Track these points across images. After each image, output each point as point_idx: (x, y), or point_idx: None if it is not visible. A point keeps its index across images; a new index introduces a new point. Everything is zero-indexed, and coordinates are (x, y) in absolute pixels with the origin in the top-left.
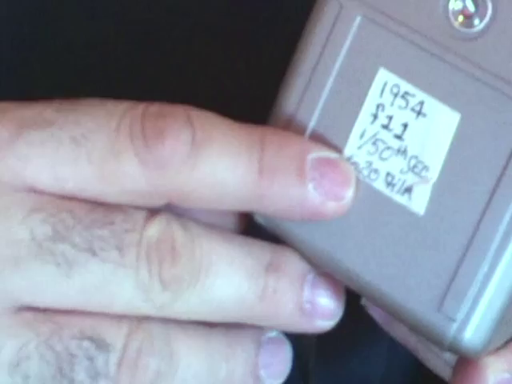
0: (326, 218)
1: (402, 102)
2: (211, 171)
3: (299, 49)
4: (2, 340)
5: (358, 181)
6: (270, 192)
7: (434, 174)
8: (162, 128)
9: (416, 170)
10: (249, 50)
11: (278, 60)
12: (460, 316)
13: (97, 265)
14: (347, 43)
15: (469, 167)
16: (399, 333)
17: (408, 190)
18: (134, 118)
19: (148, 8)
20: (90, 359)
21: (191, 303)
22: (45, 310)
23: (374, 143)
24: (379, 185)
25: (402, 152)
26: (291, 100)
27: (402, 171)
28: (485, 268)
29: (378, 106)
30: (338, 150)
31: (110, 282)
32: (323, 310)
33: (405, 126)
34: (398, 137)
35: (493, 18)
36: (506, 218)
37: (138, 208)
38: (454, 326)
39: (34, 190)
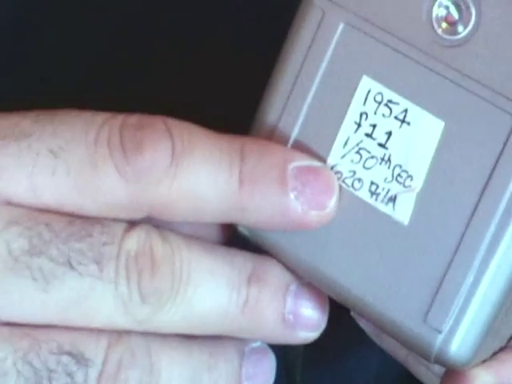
0: (309, 228)
1: (386, 110)
2: (192, 183)
3: (281, 57)
4: None
5: (341, 190)
6: (250, 203)
7: (418, 183)
8: (141, 139)
9: (400, 179)
10: (232, 56)
11: (262, 68)
12: (446, 327)
13: (75, 279)
14: (330, 51)
15: (453, 176)
16: (389, 344)
17: (392, 199)
18: (112, 130)
19: (143, 10)
20: (69, 375)
21: (171, 316)
22: (22, 325)
23: (358, 152)
24: (363, 194)
25: (386, 161)
26: (273, 109)
27: (386, 180)
28: (470, 278)
29: (361, 115)
30: (322, 159)
31: (88, 296)
32: (306, 321)
33: (389, 134)
34: (382, 145)
35: (476, 25)
36: (492, 228)
37: (116, 220)
38: (440, 337)
39: (10, 203)
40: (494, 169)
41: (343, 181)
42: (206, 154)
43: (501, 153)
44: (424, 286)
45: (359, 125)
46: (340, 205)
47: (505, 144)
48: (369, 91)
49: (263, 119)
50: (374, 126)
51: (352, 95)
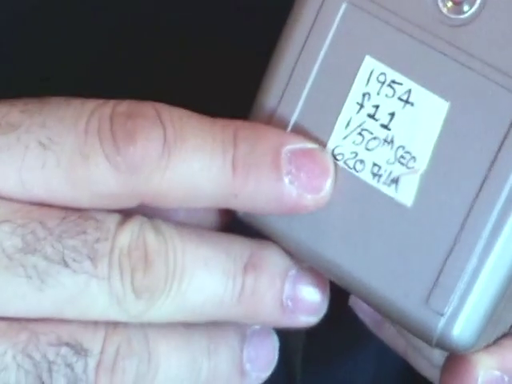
0: (305, 211)
1: (389, 91)
2: (184, 171)
3: (282, 38)
4: None
5: (343, 172)
6: (245, 189)
7: (421, 165)
8: (132, 128)
9: (403, 160)
10: (233, 55)
11: (263, 67)
12: (448, 310)
13: (69, 276)
14: (332, 31)
15: (458, 157)
16: (388, 336)
17: (395, 181)
18: (102, 119)
19: (142, 7)
20: (69, 365)
21: (166, 310)
22: (19, 319)
23: (360, 133)
24: (365, 176)
25: (389, 142)
26: (274, 91)
27: (388, 162)
28: (474, 261)
29: (363, 95)
30: (323, 140)
31: (83, 293)
32: (306, 306)
33: (392, 115)
34: (385, 126)
35: (482, 5)
36: (496, 210)
37: (110, 213)
38: (442, 320)
39: (1, 197)
40: (499, 150)
41: (345, 162)
42: (199, 140)
43: (506, 133)
44: (426, 268)
45: (362, 105)
46: (341, 187)
47: (510, 124)
48: (372, 71)
49: (263, 102)
50: (377, 107)
51: (354, 76)
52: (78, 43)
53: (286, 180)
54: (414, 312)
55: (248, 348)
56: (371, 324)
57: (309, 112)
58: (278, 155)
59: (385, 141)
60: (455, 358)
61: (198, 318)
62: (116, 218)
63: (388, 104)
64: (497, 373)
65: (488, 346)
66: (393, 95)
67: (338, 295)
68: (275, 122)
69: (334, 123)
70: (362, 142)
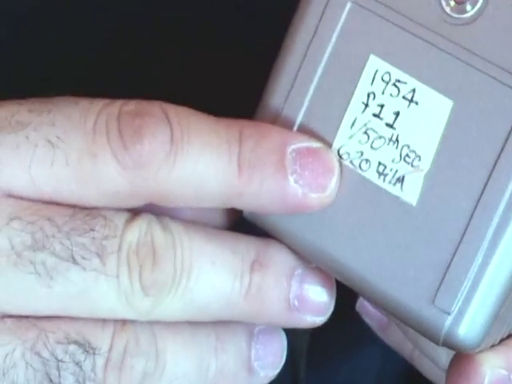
0: (310, 210)
1: (394, 90)
2: (191, 170)
3: (288, 38)
4: None
5: (348, 171)
6: (250, 188)
7: (426, 163)
8: (139, 127)
9: (408, 159)
10: (233, 55)
11: (263, 66)
12: (454, 309)
13: (78, 273)
14: (337, 31)
15: (462, 156)
16: (394, 340)
17: (400, 179)
18: (110, 118)
19: (143, 7)
20: (77, 363)
21: (174, 307)
22: (28, 317)
23: (365, 132)
24: (370, 175)
25: (394, 141)
26: (279, 91)
27: (393, 161)
28: (479, 259)
29: (368, 95)
30: (328, 140)
31: (91, 290)
32: (313, 306)
33: (396, 114)
34: (390, 125)
35: (484, 4)
36: (501, 208)
37: (118, 211)
38: (449, 319)
39: (10, 196)
40: (503, 147)
41: (350, 161)
42: (205, 139)
43: (510, 131)
44: (432, 267)
45: (367, 105)
46: (347, 186)
47: None
48: (376, 71)
49: (269, 102)
50: (382, 106)
51: (359, 75)
52: (77, 43)
53: (291, 179)
54: (420, 311)
55: (256, 346)
56: (377, 328)
57: (314, 112)
58: (283, 154)
59: (390, 140)
60: (462, 358)
61: (205, 316)
62: (124, 215)
63: (393, 103)
64: (504, 372)
65: (493, 346)
66: (397, 94)
67: (344, 294)
68: (281, 121)
69: (340, 123)
70: (367, 141)
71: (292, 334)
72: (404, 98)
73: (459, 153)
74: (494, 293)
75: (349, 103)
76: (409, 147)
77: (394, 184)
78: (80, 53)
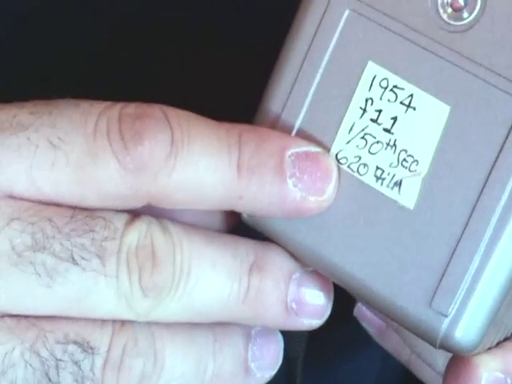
0: (308, 214)
1: (392, 96)
2: (191, 172)
3: (286, 45)
4: None
5: (346, 175)
6: (249, 191)
7: (423, 168)
8: (140, 129)
9: (405, 163)
10: (233, 55)
11: (263, 66)
12: (452, 311)
13: (78, 274)
14: (335, 38)
15: (459, 160)
16: (392, 345)
17: (398, 184)
18: (110, 120)
19: (142, 7)
20: (76, 363)
21: (173, 309)
22: (27, 316)
23: (363, 137)
24: (368, 179)
25: (392, 146)
26: (278, 96)
27: (391, 165)
28: (476, 263)
29: (366, 100)
30: (327, 145)
31: (91, 291)
32: (310, 309)
33: (394, 119)
34: (387, 130)
35: (481, 11)
36: (497, 212)
37: (118, 212)
38: (446, 321)
39: (11, 197)
40: (499, 152)
41: (348, 166)
42: (205, 142)
43: (506, 136)
44: (429, 270)
45: (365, 110)
46: (345, 190)
47: (510, 128)
48: (374, 77)
49: (268, 107)
50: (380, 112)
51: (357, 81)
52: (78, 43)
53: (290, 182)
54: (417, 313)
55: (253, 347)
56: (375, 333)
57: (313, 117)
58: (282, 158)
59: (387, 144)
60: (458, 360)
61: (203, 317)
62: (124, 217)
63: (390, 108)
64: (500, 375)
65: (491, 349)
66: (395, 100)
67: (342, 297)
68: (280, 126)
69: (338, 128)
70: (365, 146)
71: (289, 335)
72: (402, 103)
73: (456, 157)
74: (491, 295)
75: (347, 108)
76: (406, 152)
77: (392, 188)
78: (80, 53)
